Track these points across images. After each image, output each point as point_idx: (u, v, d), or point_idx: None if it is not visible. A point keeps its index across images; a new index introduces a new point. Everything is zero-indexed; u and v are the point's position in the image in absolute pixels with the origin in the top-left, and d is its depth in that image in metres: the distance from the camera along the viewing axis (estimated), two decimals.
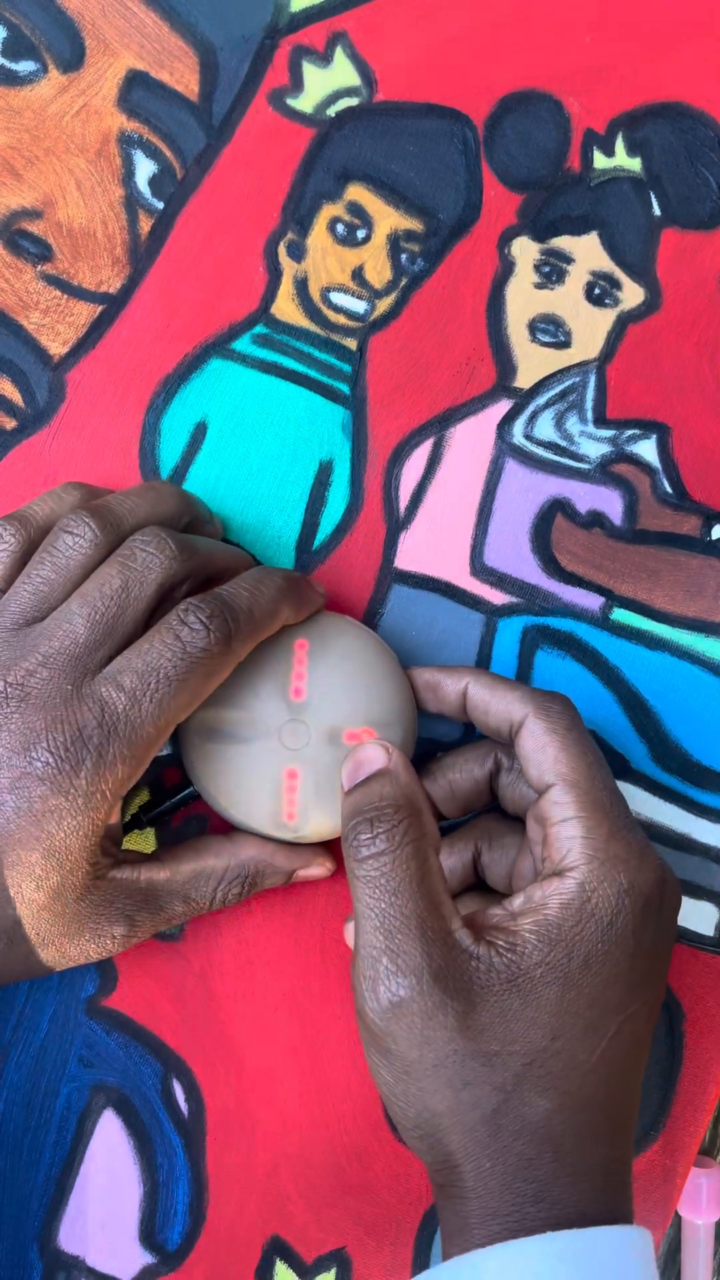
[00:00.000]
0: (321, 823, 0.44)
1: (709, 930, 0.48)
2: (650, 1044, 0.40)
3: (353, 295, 0.48)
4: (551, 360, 0.48)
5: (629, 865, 0.39)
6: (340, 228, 0.48)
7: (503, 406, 0.48)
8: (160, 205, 0.47)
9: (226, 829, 0.45)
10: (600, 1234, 0.36)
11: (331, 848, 0.46)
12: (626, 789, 0.48)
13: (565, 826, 0.39)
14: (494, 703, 0.43)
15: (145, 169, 0.47)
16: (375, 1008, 0.38)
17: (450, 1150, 0.38)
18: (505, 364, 0.48)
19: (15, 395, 0.47)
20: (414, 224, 0.48)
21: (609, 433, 0.48)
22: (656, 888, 0.39)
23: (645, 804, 0.48)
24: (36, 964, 0.41)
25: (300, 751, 0.44)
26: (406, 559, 0.48)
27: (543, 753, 0.41)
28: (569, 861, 0.39)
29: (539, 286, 0.48)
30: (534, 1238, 0.36)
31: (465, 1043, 0.37)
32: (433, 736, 0.47)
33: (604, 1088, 0.38)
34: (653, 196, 0.48)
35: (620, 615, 0.48)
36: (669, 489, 0.48)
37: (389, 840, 0.39)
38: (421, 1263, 0.47)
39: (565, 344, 0.48)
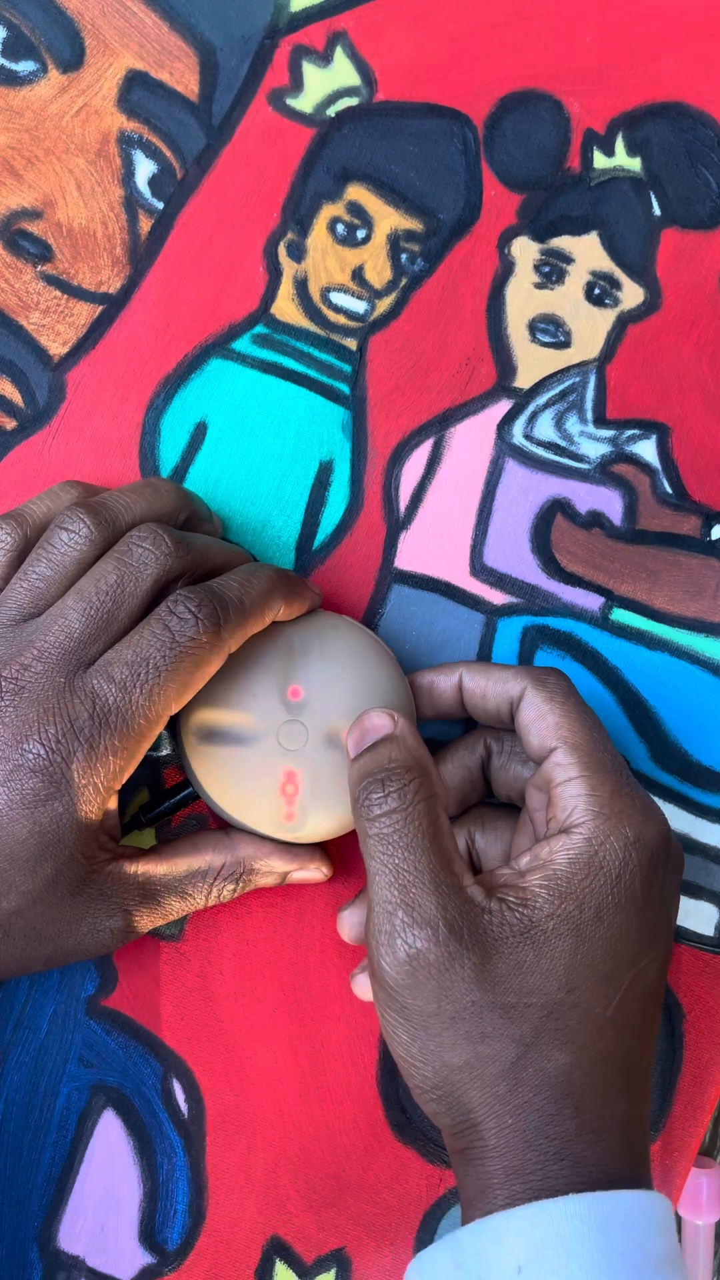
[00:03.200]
0: (320, 823, 0.44)
1: (709, 930, 0.48)
2: (662, 1000, 0.41)
3: (353, 295, 0.48)
4: (551, 360, 0.48)
5: (634, 820, 0.39)
6: (340, 228, 0.48)
7: (503, 406, 0.48)
8: (160, 205, 0.48)
9: (225, 827, 0.45)
10: (623, 1198, 0.36)
11: (329, 850, 0.46)
12: None
13: (569, 786, 0.40)
14: (490, 685, 0.43)
15: (145, 169, 0.47)
16: (392, 962, 0.38)
17: (470, 1107, 0.38)
18: (505, 364, 0.48)
19: (15, 395, 0.47)
20: (414, 224, 0.48)
21: (609, 433, 0.48)
22: (662, 842, 0.39)
23: None
24: (34, 958, 0.41)
25: (298, 752, 0.44)
26: (406, 559, 0.48)
27: (543, 720, 0.41)
28: (575, 818, 0.39)
29: (539, 286, 0.48)
30: (557, 1200, 0.36)
31: (483, 994, 0.37)
32: (432, 736, 0.47)
33: (620, 1043, 0.38)
34: (653, 196, 0.48)
35: (620, 615, 0.48)
36: (669, 489, 0.48)
37: (400, 798, 0.39)
38: None
39: (565, 344, 0.48)
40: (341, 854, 0.47)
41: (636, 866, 0.39)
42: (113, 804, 0.41)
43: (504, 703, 0.43)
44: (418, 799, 0.39)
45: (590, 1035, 0.38)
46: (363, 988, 0.45)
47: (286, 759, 0.44)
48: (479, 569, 0.48)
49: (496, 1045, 0.38)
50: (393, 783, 0.39)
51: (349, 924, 0.45)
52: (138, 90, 0.47)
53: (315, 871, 0.45)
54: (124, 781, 0.40)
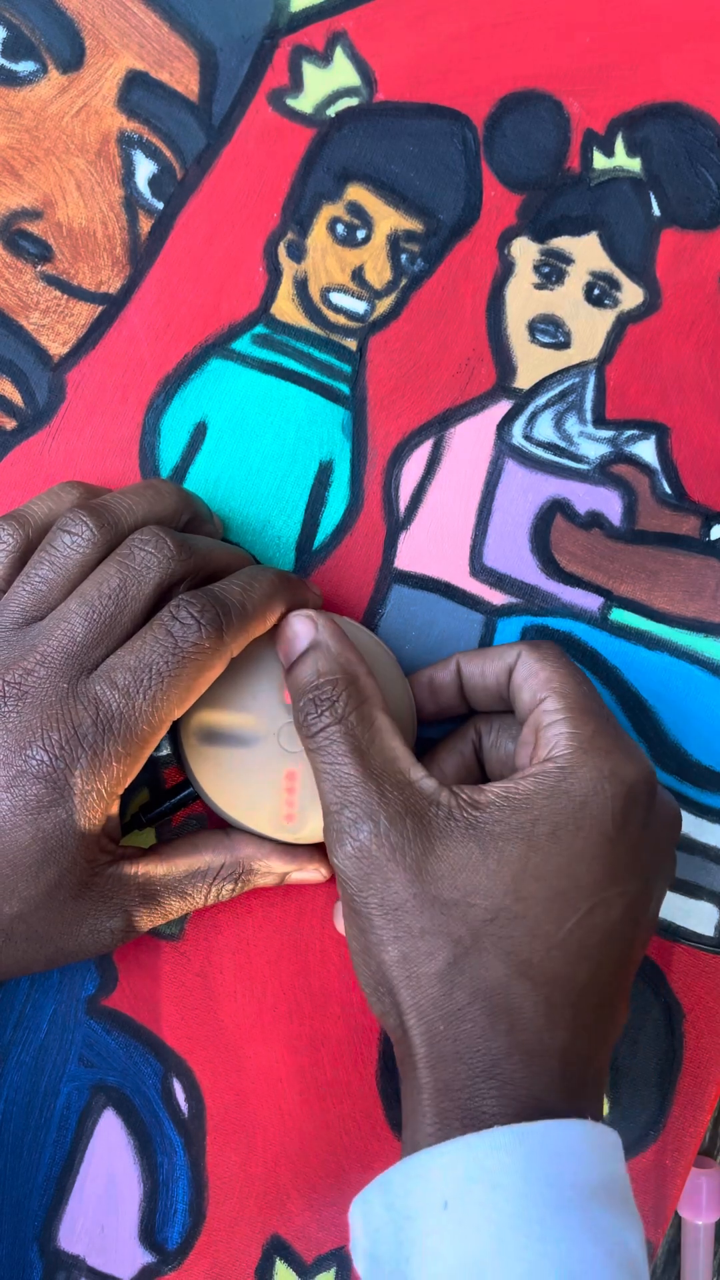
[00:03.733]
0: (320, 824, 0.44)
1: (709, 930, 0.48)
2: (630, 949, 0.40)
3: (353, 295, 0.48)
4: (551, 361, 0.48)
5: (613, 756, 0.39)
6: (340, 228, 0.48)
7: (502, 407, 0.48)
8: (160, 205, 0.47)
9: (225, 827, 0.45)
10: (552, 1127, 0.36)
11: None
12: None
13: (554, 726, 0.40)
14: (488, 662, 0.44)
15: (145, 169, 0.47)
16: (341, 858, 0.39)
17: (403, 1009, 0.38)
18: (505, 364, 0.48)
19: (15, 395, 0.47)
20: (414, 224, 0.48)
21: (608, 433, 0.48)
22: (641, 781, 0.39)
23: None
24: (34, 960, 0.41)
25: (299, 753, 0.44)
26: (406, 559, 0.48)
27: (535, 676, 0.42)
28: (554, 752, 0.40)
29: (539, 287, 0.48)
30: (482, 1133, 0.36)
31: (422, 887, 0.38)
32: (433, 736, 0.47)
33: (570, 968, 0.38)
34: (652, 197, 0.48)
35: (619, 615, 0.48)
36: (668, 489, 0.48)
37: (333, 713, 0.40)
38: None
39: (565, 344, 0.48)
40: None
41: (608, 798, 0.39)
42: (114, 807, 0.41)
43: (503, 672, 0.43)
44: (349, 709, 0.40)
45: (536, 952, 0.38)
46: (340, 920, 0.45)
47: (287, 760, 0.44)
48: (479, 569, 0.48)
49: (432, 942, 0.37)
50: (324, 700, 0.40)
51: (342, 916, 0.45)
52: (138, 90, 0.47)
53: (314, 872, 0.45)
54: (127, 786, 0.40)
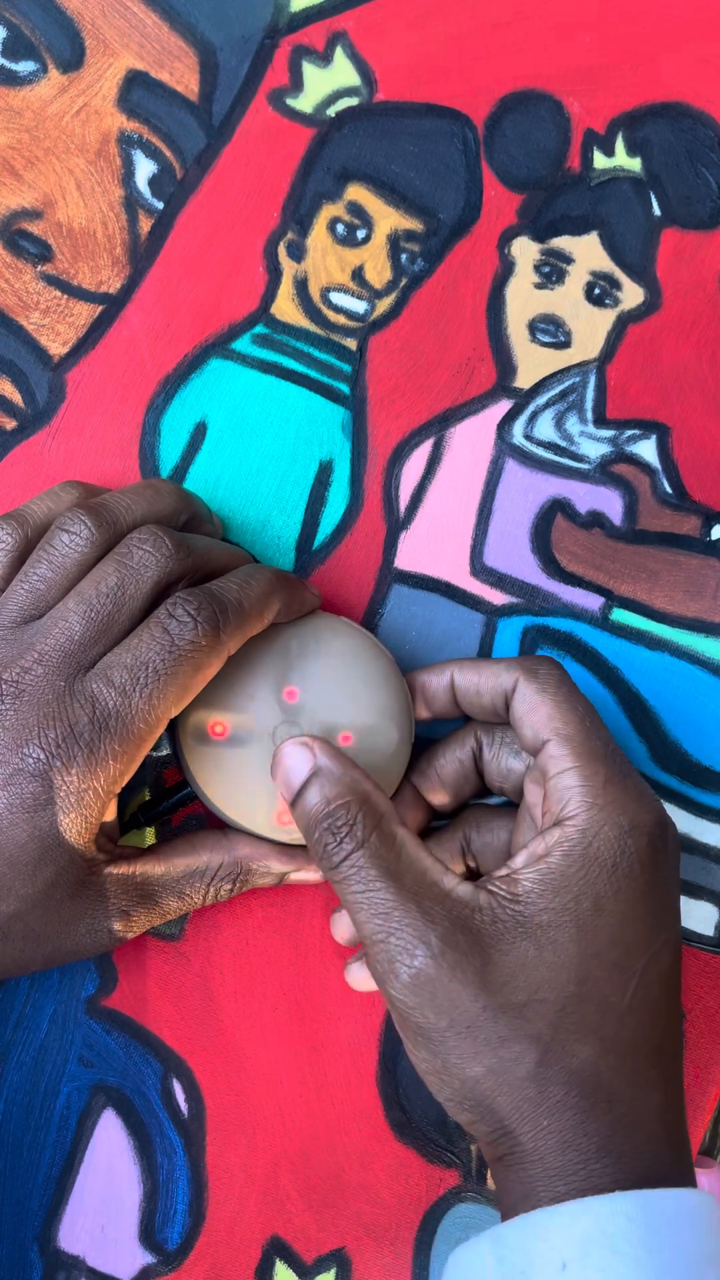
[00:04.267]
0: None
1: (709, 930, 0.48)
2: (680, 986, 0.40)
3: (353, 295, 0.48)
4: (551, 360, 0.48)
5: (628, 807, 0.39)
6: (340, 228, 0.48)
7: (503, 407, 0.48)
8: (160, 205, 0.48)
9: (224, 827, 0.45)
10: (670, 1196, 0.36)
11: None
12: None
13: (562, 778, 0.39)
14: (483, 680, 0.43)
15: (145, 169, 0.47)
16: (398, 987, 0.38)
17: (501, 1115, 0.38)
18: (505, 364, 0.48)
19: (15, 395, 0.47)
20: (414, 224, 0.48)
21: (609, 433, 0.48)
22: (658, 825, 0.39)
23: None
24: (32, 959, 0.41)
25: None
26: (406, 559, 0.48)
27: (535, 713, 0.41)
28: (569, 810, 0.39)
29: (539, 286, 0.48)
30: (603, 1196, 0.36)
31: (491, 997, 0.37)
32: (431, 736, 0.47)
33: (644, 1031, 0.38)
34: (653, 196, 0.48)
35: (620, 615, 0.48)
36: (669, 489, 0.48)
37: (353, 838, 0.39)
38: (421, 1263, 0.47)
39: (565, 344, 0.48)
40: None
41: (634, 853, 0.38)
42: (112, 806, 0.41)
43: (499, 696, 0.43)
44: (368, 829, 0.39)
45: (611, 1025, 0.38)
46: (356, 977, 0.45)
47: None
48: (479, 569, 0.48)
49: (516, 1048, 0.37)
50: (341, 827, 0.39)
51: (342, 924, 0.45)
52: (138, 90, 0.47)
53: (313, 873, 0.45)
54: (124, 785, 0.40)
